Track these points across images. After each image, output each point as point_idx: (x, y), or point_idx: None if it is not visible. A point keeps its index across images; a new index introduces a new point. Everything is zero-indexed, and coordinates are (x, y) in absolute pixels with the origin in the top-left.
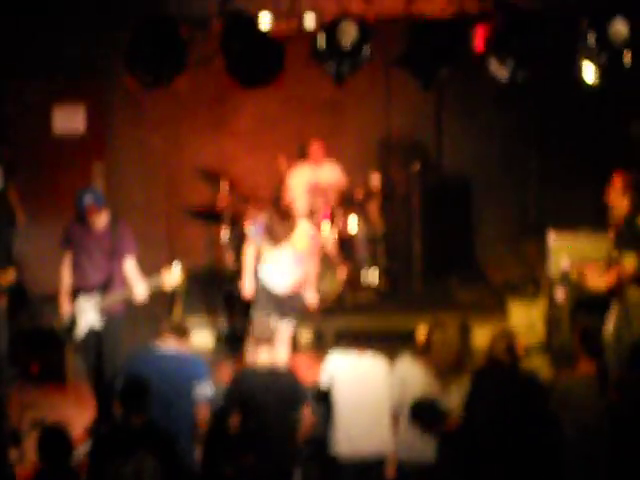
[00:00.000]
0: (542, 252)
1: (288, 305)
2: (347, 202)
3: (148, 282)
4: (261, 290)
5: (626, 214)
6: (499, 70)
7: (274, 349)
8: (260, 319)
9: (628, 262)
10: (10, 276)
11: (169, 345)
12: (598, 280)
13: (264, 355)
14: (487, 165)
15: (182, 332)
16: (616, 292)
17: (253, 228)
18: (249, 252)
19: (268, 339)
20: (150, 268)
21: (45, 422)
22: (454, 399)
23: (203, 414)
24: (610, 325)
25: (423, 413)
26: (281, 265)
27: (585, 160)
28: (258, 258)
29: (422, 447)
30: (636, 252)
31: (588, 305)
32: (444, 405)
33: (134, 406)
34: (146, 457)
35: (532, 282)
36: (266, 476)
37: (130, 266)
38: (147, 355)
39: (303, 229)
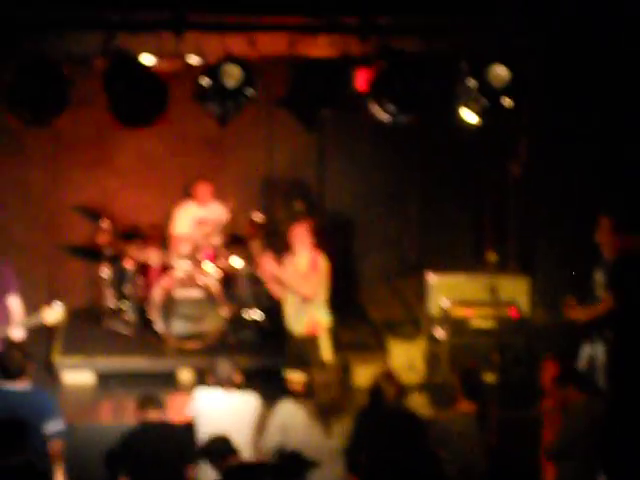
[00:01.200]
0: (421, 292)
1: None
2: (230, 240)
3: (27, 320)
4: None
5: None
6: (381, 112)
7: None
8: None
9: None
10: None
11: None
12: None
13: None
14: (369, 204)
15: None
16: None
17: None
18: None
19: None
20: (30, 306)
21: None
22: (337, 440)
23: (56, 451)
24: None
25: (214, 448)
26: None
27: (464, 201)
28: None
29: None
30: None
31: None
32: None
33: (14, 447)
34: None
35: (412, 321)
36: None
37: (14, 304)
38: None
39: None
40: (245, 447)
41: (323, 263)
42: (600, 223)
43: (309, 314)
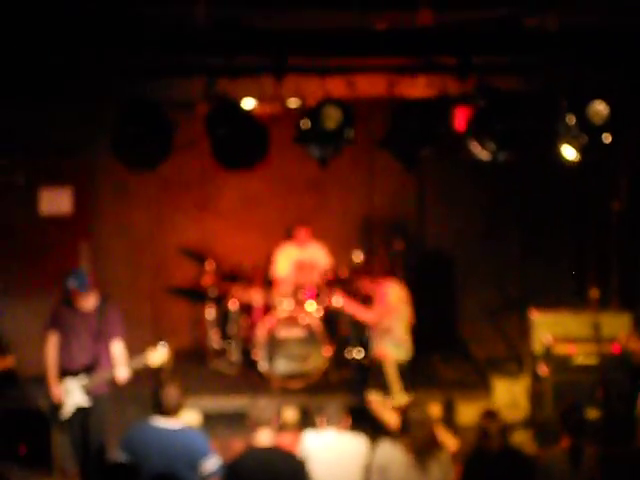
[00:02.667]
0: (524, 328)
1: None
2: (333, 280)
3: (133, 362)
4: None
5: None
6: (480, 151)
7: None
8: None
9: None
10: (8, 362)
11: (170, 421)
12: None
13: (264, 437)
14: (469, 242)
15: (173, 410)
16: None
17: None
18: None
19: (267, 421)
20: (135, 347)
21: None
22: (435, 477)
23: None
24: None
25: None
26: None
27: (565, 237)
28: None
29: None
30: None
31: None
32: None
33: None
34: None
35: (515, 359)
36: None
37: (118, 349)
38: (147, 431)
39: None
40: None
41: (395, 294)
42: None
43: (381, 344)
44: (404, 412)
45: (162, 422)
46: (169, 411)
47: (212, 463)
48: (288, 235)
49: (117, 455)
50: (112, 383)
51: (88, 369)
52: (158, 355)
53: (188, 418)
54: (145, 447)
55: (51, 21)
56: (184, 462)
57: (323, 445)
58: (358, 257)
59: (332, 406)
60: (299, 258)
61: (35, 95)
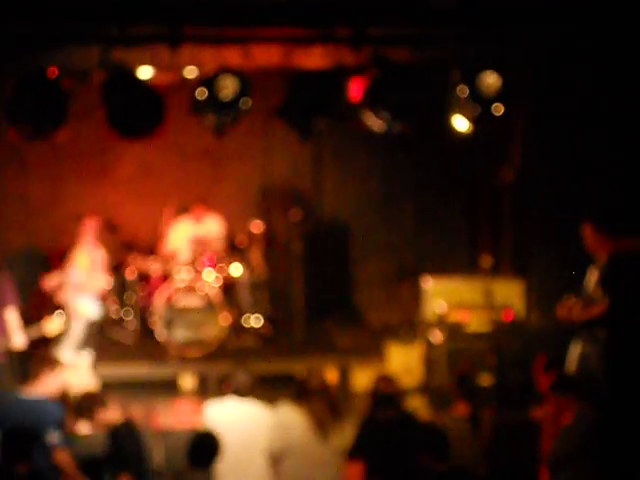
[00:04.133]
0: (418, 296)
1: None
2: (230, 249)
3: (29, 331)
4: None
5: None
6: (375, 122)
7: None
8: None
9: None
10: None
11: (31, 389)
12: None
13: None
14: (365, 211)
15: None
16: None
17: None
18: None
19: None
20: (31, 318)
21: None
22: (335, 444)
23: (64, 460)
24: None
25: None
26: None
27: (458, 205)
28: None
29: None
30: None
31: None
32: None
33: (19, 455)
34: None
35: (409, 325)
36: None
37: (11, 317)
38: (9, 402)
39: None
40: (260, 455)
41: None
42: (584, 231)
43: None
44: (303, 380)
45: (22, 392)
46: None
47: (57, 435)
48: (184, 210)
49: None
50: (7, 351)
51: None
52: (54, 324)
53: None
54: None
55: None
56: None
57: (226, 413)
58: (256, 227)
59: (241, 374)
60: (195, 233)
61: None
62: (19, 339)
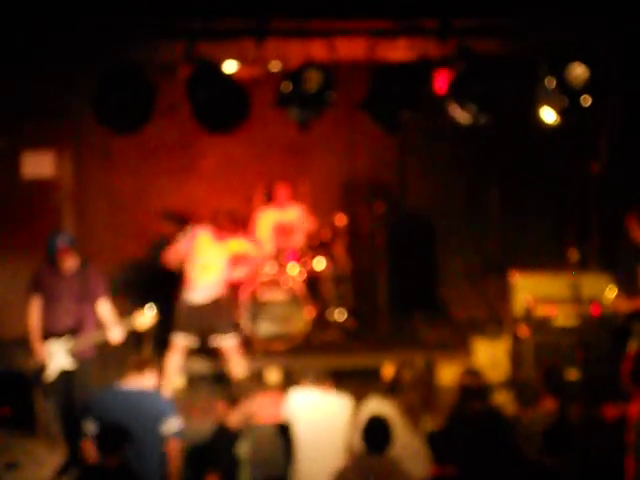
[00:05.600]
0: (505, 291)
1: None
2: (314, 243)
3: (122, 324)
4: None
5: None
6: (460, 114)
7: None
8: None
9: None
10: None
11: (132, 383)
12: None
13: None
14: (450, 203)
15: (141, 366)
16: None
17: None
18: None
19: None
20: (119, 311)
21: (18, 465)
22: (422, 437)
23: (174, 450)
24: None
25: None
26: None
27: (546, 200)
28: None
29: None
30: None
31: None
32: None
33: (111, 448)
34: None
35: (495, 320)
36: None
37: (104, 309)
38: (112, 395)
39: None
40: (340, 447)
41: None
42: (630, 223)
43: None
44: (397, 371)
45: (125, 386)
46: (139, 366)
47: (173, 424)
48: (268, 198)
49: (85, 426)
50: (99, 345)
51: (72, 332)
52: (145, 318)
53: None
54: (108, 411)
55: None
56: (145, 423)
57: (308, 404)
58: (340, 220)
59: (313, 370)
60: (279, 220)
61: (18, 61)
62: (115, 332)
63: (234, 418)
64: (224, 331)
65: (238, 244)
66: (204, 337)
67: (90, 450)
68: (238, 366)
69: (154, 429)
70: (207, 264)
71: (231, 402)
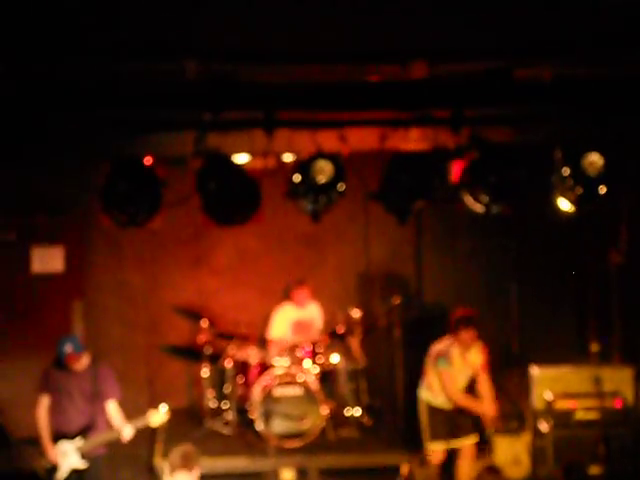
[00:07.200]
0: (525, 385)
1: None
2: (329, 336)
3: (134, 424)
4: None
5: None
6: (474, 203)
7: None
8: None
9: None
10: None
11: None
12: None
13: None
14: (467, 296)
15: (188, 463)
16: None
17: None
18: None
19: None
20: (130, 407)
21: None
22: None
23: None
24: None
25: None
26: None
27: (564, 290)
28: None
29: None
30: None
31: None
32: None
33: None
34: None
35: (516, 415)
36: None
37: (113, 409)
38: None
39: None
40: None
41: None
42: None
43: None
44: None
45: None
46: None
47: None
48: (286, 295)
49: None
50: (110, 444)
51: (84, 431)
52: (159, 416)
53: None
54: None
55: (44, 76)
56: None
57: None
58: (355, 313)
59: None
60: (298, 318)
61: (26, 154)
62: (127, 431)
63: None
64: None
65: None
66: None
67: None
68: None
69: None
70: None
71: None
